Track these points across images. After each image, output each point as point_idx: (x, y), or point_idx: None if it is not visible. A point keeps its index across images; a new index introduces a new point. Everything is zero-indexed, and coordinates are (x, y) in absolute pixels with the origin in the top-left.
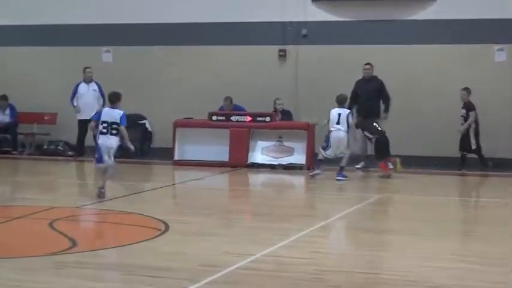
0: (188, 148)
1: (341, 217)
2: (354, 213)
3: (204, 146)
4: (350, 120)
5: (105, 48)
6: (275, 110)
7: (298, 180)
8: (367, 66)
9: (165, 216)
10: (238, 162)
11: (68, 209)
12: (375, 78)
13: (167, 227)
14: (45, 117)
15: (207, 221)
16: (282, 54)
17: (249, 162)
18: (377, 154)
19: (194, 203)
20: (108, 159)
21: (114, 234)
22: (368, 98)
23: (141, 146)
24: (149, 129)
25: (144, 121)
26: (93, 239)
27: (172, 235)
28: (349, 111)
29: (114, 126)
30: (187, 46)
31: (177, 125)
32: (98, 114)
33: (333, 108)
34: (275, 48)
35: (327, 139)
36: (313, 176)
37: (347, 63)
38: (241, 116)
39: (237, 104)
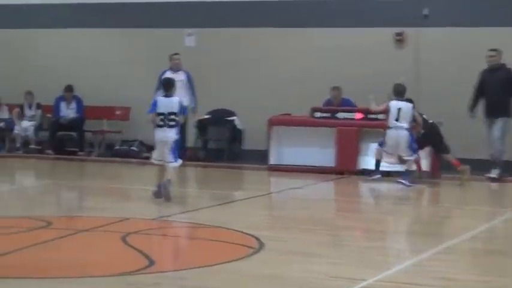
0: (286, 151)
1: (471, 237)
2: (486, 232)
3: (305, 148)
4: (415, 114)
5: (187, 31)
6: None
7: (419, 190)
8: (492, 53)
9: (259, 232)
10: (346, 168)
11: (143, 221)
12: (502, 67)
13: (261, 245)
14: (117, 112)
15: (309, 238)
16: (400, 39)
17: (359, 168)
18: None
19: (293, 216)
20: (167, 156)
21: (198, 252)
22: (493, 92)
23: (230, 147)
24: (239, 127)
25: (233, 118)
26: (174, 258)
27: (267, 255)
28: (412, 105)
29: (172, 117)
30: (285, 28)
31: (272, 122)
32: (153, 105)
33: (391, 100)
34: (390, 31)
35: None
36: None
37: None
38: (349, 112)
39: (345, 97)
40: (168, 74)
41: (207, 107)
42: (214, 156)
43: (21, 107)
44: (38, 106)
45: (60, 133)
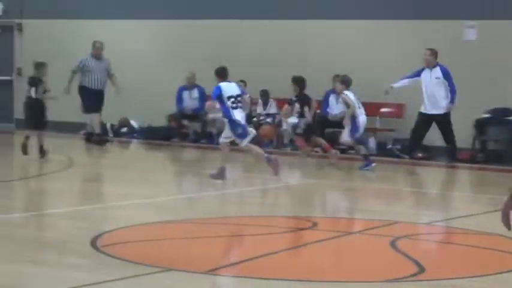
0: None
1: None
2: None
3: None
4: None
5: (468, 23)
6: None
7: None
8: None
9: None
10: None
11: (413, 225)
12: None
13: None
14: (388, 109)
15: None
16: None
17: None
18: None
19: None
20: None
21: (472, 260)
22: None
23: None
24: None
25: None
26: (444, 265)
27: None
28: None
29: (239, 98)
30: None
31: None
32: (216, 92)
33: (347, 91)
34: None
35: (355, 126)
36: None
37: None
38: None
39: None
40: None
41: (485, 106)
42: (493, 159)
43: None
44: None
45: (328, 130)
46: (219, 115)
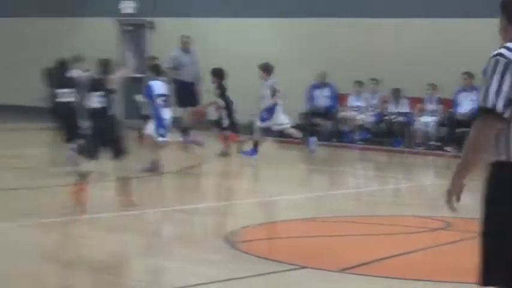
0: None
1: None
2: None
3: None
4: None
5: None
6: None
7: None
8: None
9: None
10: None
11: None
12: None
13: None
14: None
15: None
16: None
17: None
18: None
19: None
20: None
21: None
22: None
23: None
24: None
25: None
26: None
27: None
28: None
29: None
30: None
31: None
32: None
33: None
34: None
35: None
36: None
37: None
38: None
39: None
40: None
41: None
42: None
43: (422, 100)
44: (439, 101)
45: (459, 130)
46: (352, 113)
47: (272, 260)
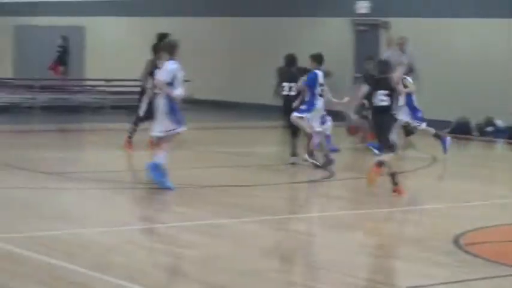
0: None
1: None
2: None
3: None
4: None
5: None
6: None
7: None
8: None
9: None
10: None
11: None
12: None
13: None
14: None
15: None
16: None
17: None
18: None
19: None
20: None
21: None
22: None
23: None
24: None
25: None
26: None
27: None
28: None
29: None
30: None
31: None
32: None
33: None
34: None
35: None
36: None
37: None
38: None
39: None
40: None
41: None
42: None
43: None
44: None
45: None
46: None
47: (500, 263)
